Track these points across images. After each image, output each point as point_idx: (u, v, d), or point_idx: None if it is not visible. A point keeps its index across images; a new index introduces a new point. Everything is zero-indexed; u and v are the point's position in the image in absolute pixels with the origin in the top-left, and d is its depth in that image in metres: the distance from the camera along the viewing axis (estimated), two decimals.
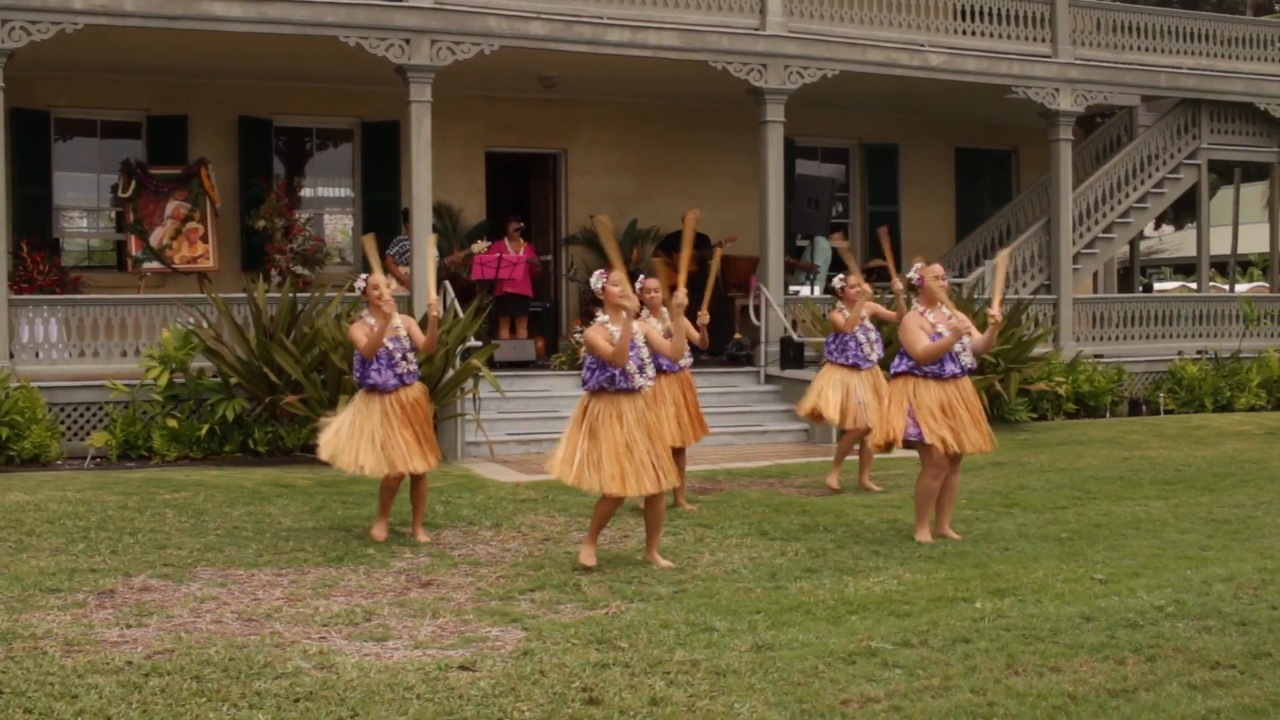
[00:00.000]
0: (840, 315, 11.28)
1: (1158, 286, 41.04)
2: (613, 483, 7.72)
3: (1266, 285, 31.34)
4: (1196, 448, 14.25)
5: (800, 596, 7.20)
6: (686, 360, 10.06)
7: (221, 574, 7.84)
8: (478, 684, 5.56)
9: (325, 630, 6.53)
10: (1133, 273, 24.08)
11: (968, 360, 8.92)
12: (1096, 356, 17.84)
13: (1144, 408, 17.77)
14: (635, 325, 7.85)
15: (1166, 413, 17.66)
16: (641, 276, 9.94)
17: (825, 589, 7.38)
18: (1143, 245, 30.59)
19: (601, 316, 7.92)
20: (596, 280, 8.00)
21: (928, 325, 8.88)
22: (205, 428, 12.73)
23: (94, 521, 9.37)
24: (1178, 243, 44.49)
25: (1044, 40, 17.91)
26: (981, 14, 17.59)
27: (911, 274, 9.18)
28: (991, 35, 17.64)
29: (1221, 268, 32.33)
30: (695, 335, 9.77)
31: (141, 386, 13.05)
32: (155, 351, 13.12)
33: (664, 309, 9.62)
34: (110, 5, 13.27)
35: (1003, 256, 9.42)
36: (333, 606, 7.02)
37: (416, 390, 9.03)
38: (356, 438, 8.80)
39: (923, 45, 17.09)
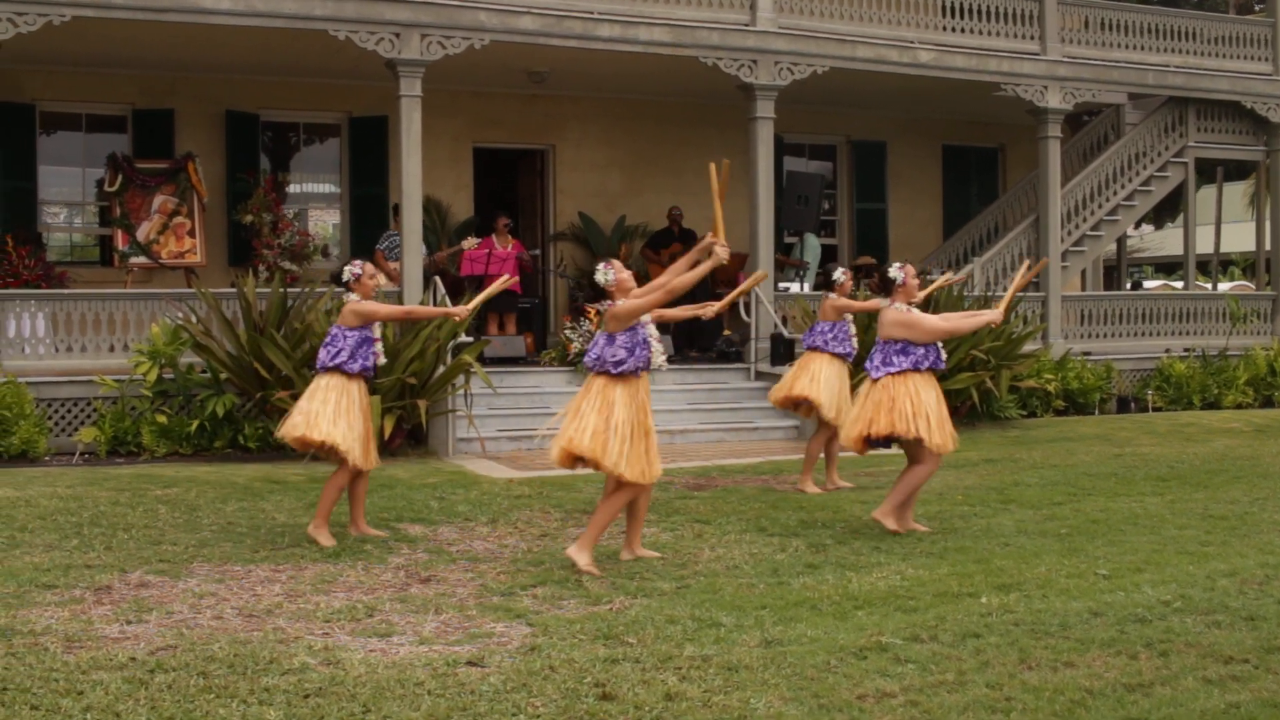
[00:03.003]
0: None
1: (1146, 285, 41.18)
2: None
3: (1246, 284, 31.48)
4: (1187, 444, 14.27)
5: (804, 592, 7.15)
6: None
7: (219, 570, 7.75)
8: (488, 680, 5.49)
9: (328, 626, 6.46)
10: (1119, 271, 24.11)
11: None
12: (1085, 354, 17.86)
13: (1132, 405, 17.80)
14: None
15: (1155, 410, 17.69)
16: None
17: (829, 584, 7.34)
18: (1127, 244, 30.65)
19: None
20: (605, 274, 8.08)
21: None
22: (195, 423, 12.60)
23: (86, 517, 9.27)
24: (1158, 242, 44.69)
25: (1033, 38, 17.91)
26: (971, 11, 17.58)
27: (895, 272, 9.22)
28: (980, 33, 17.63)
29: (1203, 266, 32.43)
30: None
31: (130, 382, 12.94)
32: (144, 347, 12.99)
33: None
34: None
35: (1031, 268, 9.76)
36: (334, 602, 6.94)
37: None
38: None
39: (912, 42, 17.08)
